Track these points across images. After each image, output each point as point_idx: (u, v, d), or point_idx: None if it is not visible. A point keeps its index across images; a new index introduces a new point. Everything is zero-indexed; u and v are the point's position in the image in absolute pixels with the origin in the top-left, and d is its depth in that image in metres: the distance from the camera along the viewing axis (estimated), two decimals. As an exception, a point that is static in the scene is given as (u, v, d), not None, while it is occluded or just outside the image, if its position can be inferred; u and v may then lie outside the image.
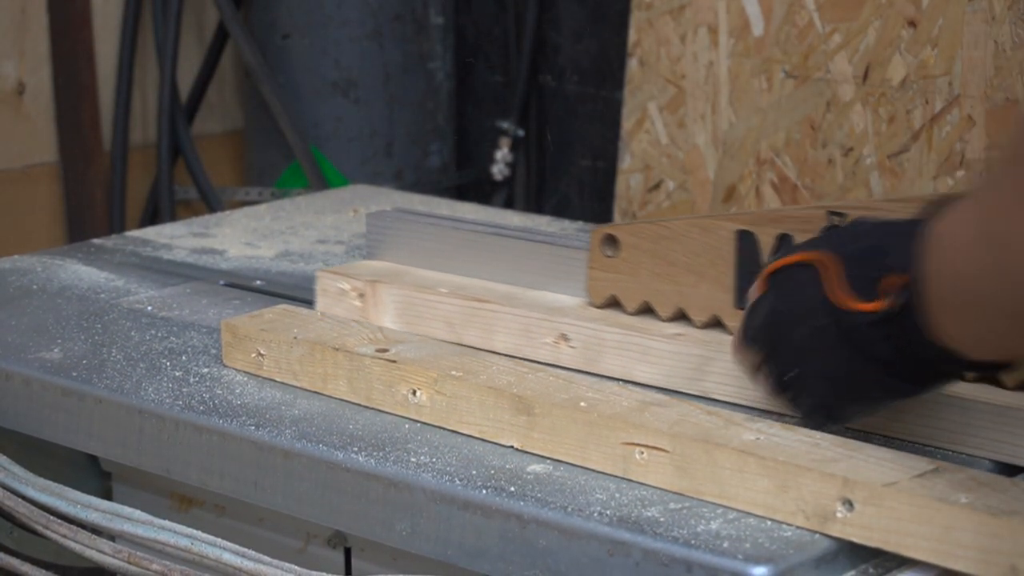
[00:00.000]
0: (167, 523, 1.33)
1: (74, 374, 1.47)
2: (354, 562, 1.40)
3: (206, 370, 1.47)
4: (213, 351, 1.51)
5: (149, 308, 1.64)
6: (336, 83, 2.81)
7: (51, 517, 1.39)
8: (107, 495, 1.55)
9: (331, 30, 2.79)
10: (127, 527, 1.35)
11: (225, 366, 1.47)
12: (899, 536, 1.12)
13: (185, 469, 1.39)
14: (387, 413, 1.37)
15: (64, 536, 1.38)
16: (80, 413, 1.44)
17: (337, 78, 2.81)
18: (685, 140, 2.23)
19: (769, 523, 1.16)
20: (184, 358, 1.50)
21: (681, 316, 1.43)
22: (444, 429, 1.33)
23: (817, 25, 2.07)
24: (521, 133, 2.90)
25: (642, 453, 1.23)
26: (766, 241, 1.37)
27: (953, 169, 1.97)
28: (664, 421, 1.24)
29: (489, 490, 1.22)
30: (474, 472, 1.25)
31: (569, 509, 1.18)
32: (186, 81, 2.90)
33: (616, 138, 2.37)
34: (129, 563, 1.34)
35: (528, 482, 1.23)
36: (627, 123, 2.29)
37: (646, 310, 1.45)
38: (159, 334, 1.56)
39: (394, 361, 1.37)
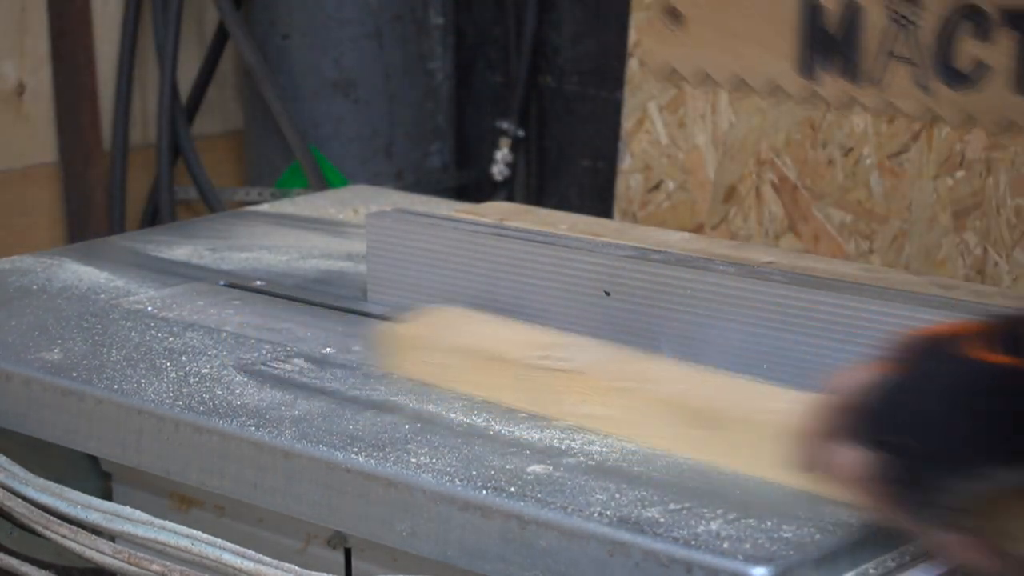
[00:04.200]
0: (167, 523, 1.33)
1: (74, 374, 1.47)
2: (354, 562, 1.40)
3: (206, 370, 1.47)
4: (213, 351, 1.52)
5: (149, 308, 1.64)
6: (336, 83, 2.81)
7: (51, 517, 1.39)
8: (107, 495, 1.55)
9: (331, 30, 2.79)
10: (127, 527, 1.35)
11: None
12: None
13: (185, 469, 1.39)
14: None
15: (64, 536, 1.38)
16: (80, 413, 1.44)
17: (337, 78, 2.81)
18: (685, 140, 2.23)
19: (769, 523, 1.16)
20: (184, 358, 1.50)
21: (743, 85, 1.35)
22: (621, 439, 1.29)
23: (817, 25, 2.07)
24: (521, 133, 2.90)
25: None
26: (832, 8, 1.30)
27: (953, 169, 1.97)
28: None
29: (489, 490, 1.22)
30: (474, 472, 1.25)
31: (569, 509, 1.18)
32: (186, 81, 2.90)
33: (616, 138, 2.37)
34: (129, 563, 1.34)
35: (528, 482, 1.23)
36: (627, 123, 2.29)
37: (705, 79, 1.37)
38: (159, 334, 1.56)
39: (563, 371, 1.34)
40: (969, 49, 1.28)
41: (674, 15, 1.39)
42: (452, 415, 1.36)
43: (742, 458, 1.22)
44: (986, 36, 1.27)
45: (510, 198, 2.88)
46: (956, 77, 1.29)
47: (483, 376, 1.39)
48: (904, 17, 1.31)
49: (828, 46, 1.33)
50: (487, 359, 1.38)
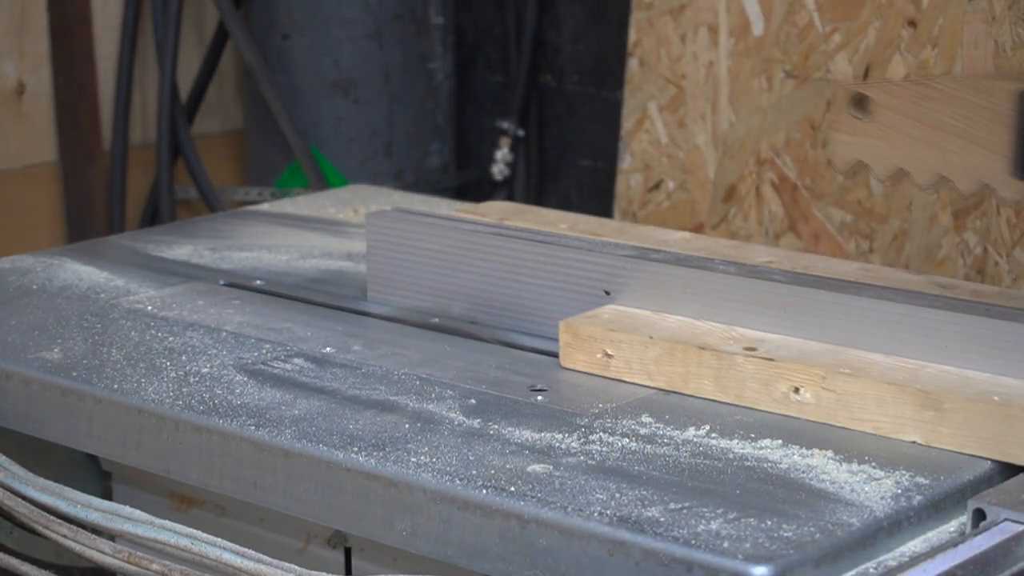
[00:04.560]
0: (167, 523, 1.33)
1: (74, 374, 1.47)
2: (354, 562, 1.40)
3: (206, 370, 1.47)
4: (213, 351, 1.52)
5: (149, 308, 1.64)
6: (336, 83, 2.81)
7: (51, 517, 1.39)
8: (107, 495, 1.55)
9: (331, 30, 2.79)
10: (127, 527, 1.35)
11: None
12: None
13: (185, 469, 1.39)
14: (759, 411, 1.36)
15: (64, 536, 1.38)
16: (80, 413, 1.44)
17: (337, 78, 2.81)
18: (685, 140, 2.23)
19: (769, 523, 1.16)
20: (184, 358, 1.50)
21: (941, 182, 1.31)
22: (831, 426, 1.32)
23: (817, 25, 2.07)
24: (521, 133, 2.90)
25: None
26: None
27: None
28: None
29: (489, 490, 1.22)
30: (474, 472, 1.25)
31: (569, 509, 1.18)
32: (186, 81, 2.90)
33: (616, 138, 2.37)
34: (129, 563, 1.34)
35: (528, 482, 1.23)
36: (627, 123, 2.29)
37: (898, 176, 1.33)
38: (159, 334, 1.56)
39: (771, 359, 1.36)
40: None
41: (862, 104, 1.33)
42: (452, 415, 1.36)
43: (969, 439, 1.25)
44: None
45: (510, 198, 2.88)
46: None
47: (684, 367, 1.40)
48: None
49: None
50: (691, 350, 1.40)
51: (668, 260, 1.51)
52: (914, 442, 1.29)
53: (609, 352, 1.44)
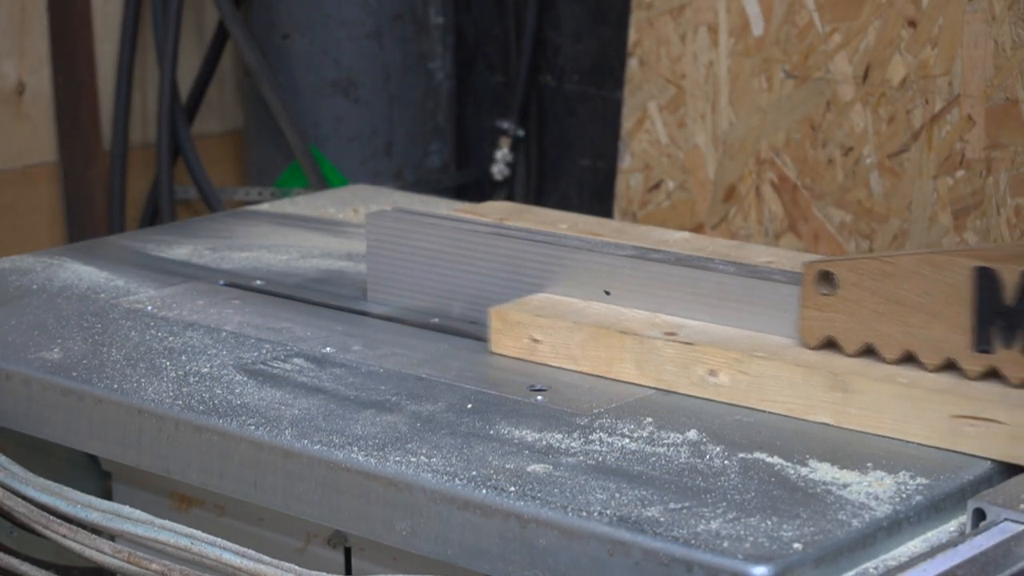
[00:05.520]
0: (167, 523, 1.33)
1: (74, 374, 1.47)
2: (354, 562, 1.40)
3: (206, 370, 1.47)
4: (213, 351, 1.52)
5: (149, 308, 1.64)
6: (336, 83, 2.81)
7: (51, 517, 1.39)
8: (107, 495, 1.55)
9: (331, 30, 2.79)
10: (127, 527, 1.35)
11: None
12: None
13: (185, 469, 1.39)
14: (677, 394, 1.40)
15: (64, 536, 1.38)
16: (80, 413, 1.44)
17: (337, 78, 2.81)
18: (685, 140, 2.23)
19: (769, 523, 1.16)
20: (184, 358, 1.50)
21: (908, 359, 1.35)
22: (744, 407, 1.37)
23: (817, 25, 2.07)
24: (521, 133, 2.90)
25: (973, 425, 1.25)
26: (1008, 279, 1.29)
27: (953, 169, 1.97)
28: (992, 393, 1.26)
29: (489, 490, 1.22)
30: (474, 472, 1.25)
31: (569, 509, 1.18)
32: (186, 81, 2.90)
33: (616, 138, 2.38)
34: (129, 563, 1.34)
35: (528, 482, 1.23)
36: (627, 123, 2.29)
37: (867, 352, 1.37)
38: (159, 334, 1.56)
39: (690, 343, 1.40)
40: None
41: (828, 280, 1.37)
42: (452, 415, 1.36)
43: (876, 420, 1.31)
44: None
45: (510, 198, 2.88)
46: None
47: (607, 352, 1.44)
48: None
49: (1006, 319, 1.29)
50: (614, 335, 1.44)
51: (668, 260, 1.51)
52: (825, 424, 1.33)
53: (536, 337, 1.49)
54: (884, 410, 1.31)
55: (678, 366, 1.41)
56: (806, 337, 1.39)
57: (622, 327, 1.45)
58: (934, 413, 1.28)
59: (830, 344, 1.39)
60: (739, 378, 1.38)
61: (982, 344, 1.31)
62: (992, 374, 1.31)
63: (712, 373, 1.39)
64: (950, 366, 1.33)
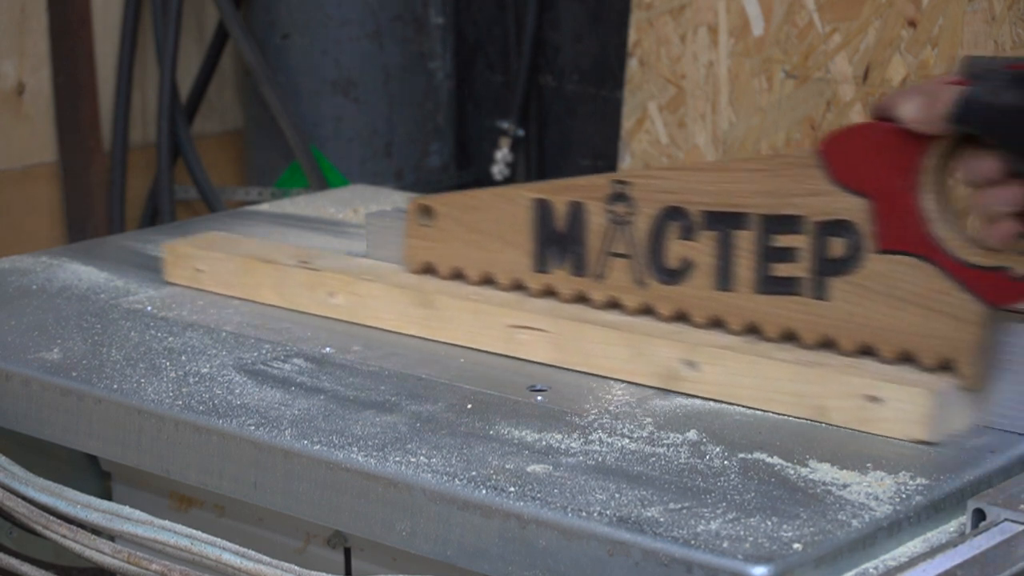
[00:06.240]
0: (167, 523, 1.33)
1: (74, 374, 1.47)
2: (354, 562, 1.40)
3: (206, 370, 1.47)
4: (212, 351, 1.52)
5: (149, 308, 1.64)
6: (336, 83, 2.81)
7: (51, 517, 1.39)
8: (107, 495, 1.55)
9: (331, 30, 2.80)
10: (127, 527, 1.35)
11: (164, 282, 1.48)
12: (732, 388, 1.38)
13: (185, 469, 1.39)
14: (310, 314, 1.61)
15: (64, 536, 1.38)
16: (79, 413, 1.44)
17: (337, 78, 2.81)
18: (685, 140, 2.23)
19: (769, 523, 1.16)
20: (184, 358, 1.50)
21: (489, 280, 1.56)
22: (359, 324, 1.58)
23: (817, 25, 2.07)
24: (521, 133, 2.90)
25: (524, 333, 1.48)
26: (559, 209, 1.50)
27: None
28: (539, 307, 1.49)
29: (489, 490, 1.22)
30: (474, 472, 1.25)
31: (569, 509, 1.18)
32: (186, 81, 2.90)
33: (616, 138, 2.37)
34: (129, 563, 1.34)
35: (528, 482, 1.23)
36: (627, 123, 2.29)
37: (457, 275, 1.57)
38: (159, 334, 1.56)
39: (316, 270, 1.61)
40: (676, 247, 1.44)
41: (428, 213, 1.59)
42: (452, 415, 1.36)
43: (454, 331, 1.53)
44: (690, 235, 1.43)
45: (510, 198, 2.88)
46: (666, 273, 1.45)
47: (253, 278, 1.65)
48: (620, 217, 1.46)
49: (558, 243, 1.51)
50: (257, 264, 1.65)
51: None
52: (422, 338, 1.54)
53: (199, 268, 1.69)
54: (459, 323, 1.52)
55: (306, 288, 1.61)
56: (408, 263, 1.60)
57: (265, 257, 1.65)
58: (495, 324, 1.50)
59: (429, 269, 1.59)
60: (351, 298, 1.58)
61: (540, 265, 1.52)
62: (549, 292, 1.52)
63: (331, 294, 1.60)
64: (518, 286, 1.54)
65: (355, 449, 1.29)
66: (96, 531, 1.38)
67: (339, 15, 2.80)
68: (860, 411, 1.32)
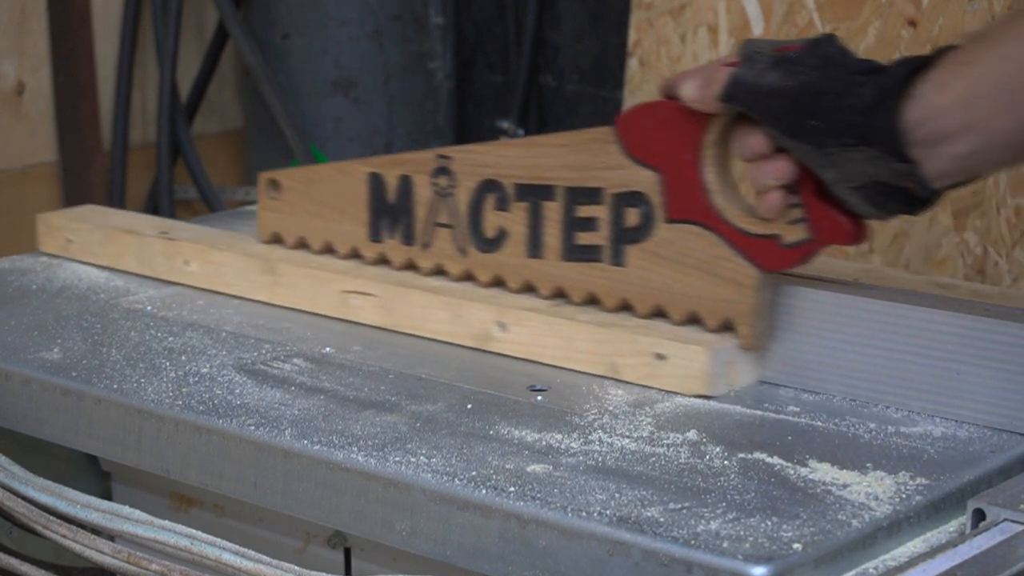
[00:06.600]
0: (167, 523, 1.33)
1: (73, 374, 1.47)
2: (354, 562, 1.40)
3: (206, 370, 1.47)
4: (213, 351, 1.52)
5: (149, 308, 1.64)
6: (336, 83, 2.81)
7: (51, 517, 1.39)
8: (107, 495, 1.55)
9: (331, 30, 2.79)
10: (127, 527, 1.35)
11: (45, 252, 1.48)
12: (537, 347, 1.48)
13: (185, 469, 1.39)
14: (168, 282, 1.71)
15: (64, 536, 1.38)
16: (79, 413, 1.44)
17: (337, 78, 2.81)
18: (685, 140, 2.23)
19: (769, 523, 1.16)
20: (184, 358, 1.50)
21: (329, 250, 1.66)
22: (213, 292, 1.68)
23: (817, 25, 2.07)
24: (521, 132, 2.90)
25: (357, 298, 1.58)
26: (391, 182, 1.61)
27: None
28: (372, 274, 1.60)
29: (489, 490, 1.22)
30: (474, 472, 1.25)
31: (569, 509, 1.18)
32: (186, 81, 2.90)
33: (616, 138, 2.37)
34: (129, 563, 1.34)
35: (528, 482, 1.23)
36: (627, 123, 2.28)
37: (302, 244, 1.69)
38: (159, 334, 1.56)
39: (173, 240, 1.71)
40: (492, 218, 1.55)
41: (275, 186, 1.71)
42: (452, 415, 1.36)
43: (295, 297, 1.63)
44: (504, 206, 1.55)
45: (510, 198, 2.88)
46: (484, 241, 1.56)
47: (116, 248, 1.74)
48: (444, 190, 1.58)
49: (390, 214, 1.62)
50: (120, 234, 1.75)
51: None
52: (268, 303, 1.64)
53: (69, 238, 1.79)
54: (299, 289, 1.63)
55: (164, 257, 1.71)
56: (260, 233, 1.72)
57: (128, 228, 1.75)
58: (331, 290, 1.60)
59: (277, 239, 1.70)
60: (205, 266, 1.69)
61: (375, 235, 1.63)
62: (383, 260, 1.62)
63: (187, 262, 1.70)
64: (355, 254, 1.64)
65: (355, 449, 1.29)
66: (96, 531, 1.38)
67: (339, 15, 2.80)
68: (648, 368, 1.42)
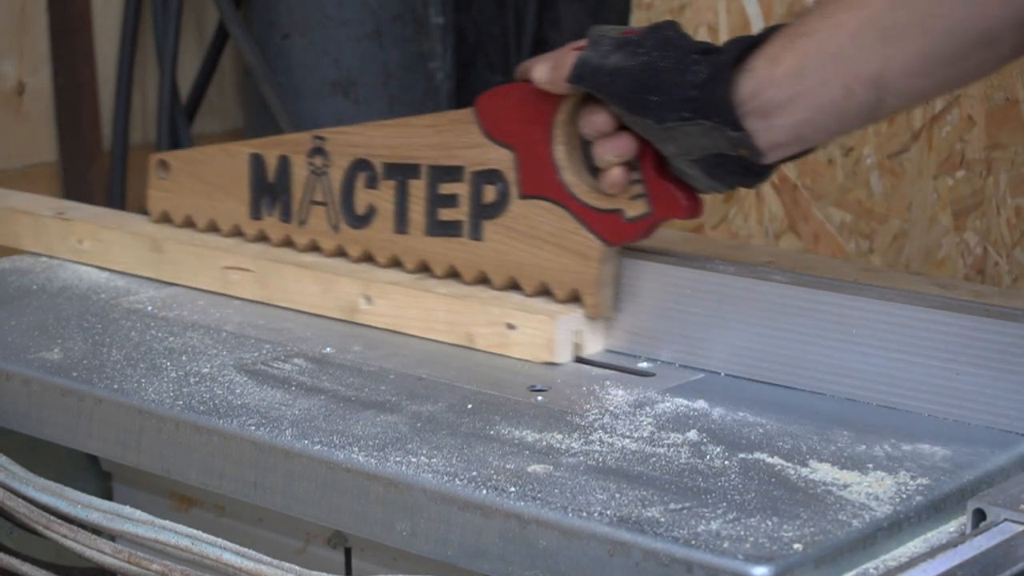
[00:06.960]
0: (167, 523, 1.33)
1: (74, 374, 1.47)
2: (354, 562, 1.41)
3: (206, 370, 1.47)
4: (213, 351, 1.52)
5: (149, 308, 1.64)
6: (336, 83, 2.81)
7: (51, 517, 1.39)
8: (107, 495, 1.55)
9: (331, 30, 2.80)
10: (127, 527, 1.35)
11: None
12: (401, 319, 1.56)
13: (185, 469, 1.39)
14: (61, 259, 1.79)
15: (64, 536, 1.38)
16: (80, 413, 1.44)
17: (337, 78, 2.81)
18: (685, 140, 2.23)
19: (769, 523, 1.16)
20: (184, 358, 1.50)
21: (214, 228, 1.74)
22: (100, 268, 1.77)
23: (817, 25, 2.07)
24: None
25: (236, 273, 1.66)
26: (271, 162, 1.69)
27: (953, 169, 1.97)
28: (250, 250, 1.68)
29: (489, 490, 1.22)
30: (474, 472, 1.25)
31: (569, 509, 1.18)
32: (186, 81, 2.91)
33: (616, 138, 2.36)
34: (129, 563, 1.34)
35: (528, 482, 1.23)
36: (627, 123, 2.29)
37: (190, 223, 1.76)
38: (159, 334, 1.56)
39: (68, 220, 1.79)
40: (363, 195, 1.63)
41: (164, 166, 1.77)
42: (452, 415, 1.37)
43: (179, 272, 1.71)
44: (374, 184, 1.63)
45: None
46: (356, 218, 1.64)
47: (15, 228, 1.82)
48: (319, 169, 1.66)
49: (270, 193, 1.69)
50: (18, 215, 1.82)
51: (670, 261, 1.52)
52: (147, 277, 1.73)
53: None
54: (183, 265, 1.70)
55: (59, 237, 1.79)
56: (151, 213, 1.79)
57: (25, 209, 1.84)
58: (213, 266, 1.68)
59: (166, 218, 1.78)
60: (96, 244, 1.76)
61: (255, 213, 1.71)
62: (263, 237, 1.70)
63: (80, 241, 1.78)
64: (237, 232, 1.72)
65: (355, 449, 1.29)
66: (96, 531, 1.38)
67: (339, 15, 2.80)
68: (500, 337, 1.51)
